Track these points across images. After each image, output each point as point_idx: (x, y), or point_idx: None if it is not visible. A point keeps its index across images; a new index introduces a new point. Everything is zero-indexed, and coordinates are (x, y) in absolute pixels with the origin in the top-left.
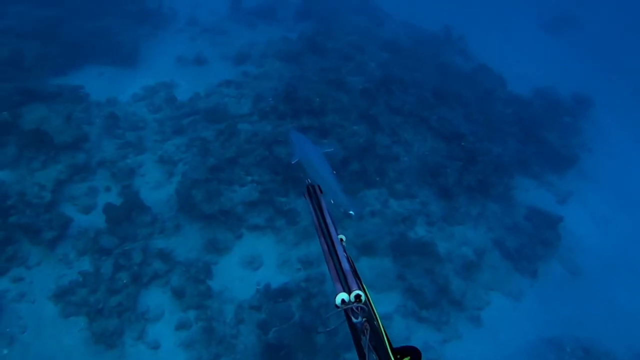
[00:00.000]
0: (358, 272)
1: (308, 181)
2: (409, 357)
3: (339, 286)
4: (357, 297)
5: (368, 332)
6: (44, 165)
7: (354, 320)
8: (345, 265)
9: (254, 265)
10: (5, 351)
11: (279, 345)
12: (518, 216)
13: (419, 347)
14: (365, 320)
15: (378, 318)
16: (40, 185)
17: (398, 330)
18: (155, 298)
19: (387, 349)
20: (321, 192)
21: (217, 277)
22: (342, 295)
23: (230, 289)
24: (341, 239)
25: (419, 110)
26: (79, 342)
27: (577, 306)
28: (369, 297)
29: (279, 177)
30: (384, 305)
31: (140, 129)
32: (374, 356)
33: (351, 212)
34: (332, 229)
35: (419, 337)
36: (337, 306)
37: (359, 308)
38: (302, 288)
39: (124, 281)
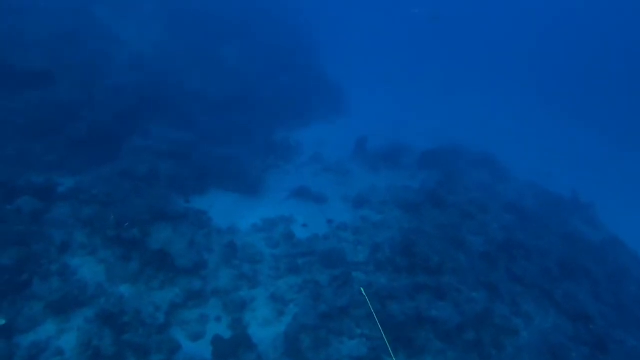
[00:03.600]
0: None
1: None
2: None
3: None
4: None
5: None
6: (162, 286)
7: None
8: None
9: None
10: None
11: None
12: None
13: None
14: None
15: None
16: (156, 306)
17: None
18: None
19: None
20: None
21: None
22: None
23: None
24: None
25: (543, 281)
26: None
27: None
28: None
29: (390, 335)
30: None
31: (256, 262)
32: None
33: None
34: None
35: None
36: None
37: None
38: None
39: None
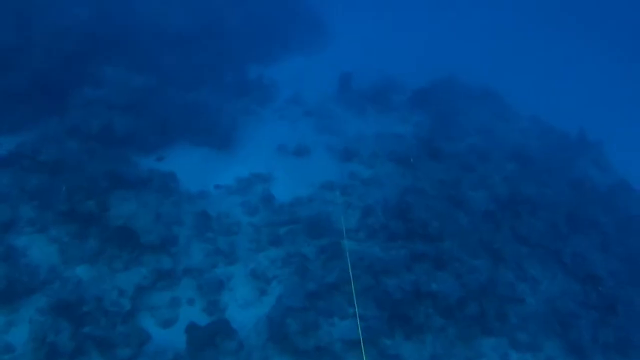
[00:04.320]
0: None
1: None
2: None
3: None
4: None
5: None
6: (127, 267)
7: None
8: None
9: None
10: None
11: None
12: None
13: None
14: None
15: None
16: (120, 290)
17: None
18: None
19: None
20: None
21: None
22: None
23: None
24: None
25: (549, 240)
26: None
27: None
28: None
29: (386, 313)
30: None
31: (233, 234)
32: None
33: None
34: None
35: None
36: None
37: None
38: None
39: None
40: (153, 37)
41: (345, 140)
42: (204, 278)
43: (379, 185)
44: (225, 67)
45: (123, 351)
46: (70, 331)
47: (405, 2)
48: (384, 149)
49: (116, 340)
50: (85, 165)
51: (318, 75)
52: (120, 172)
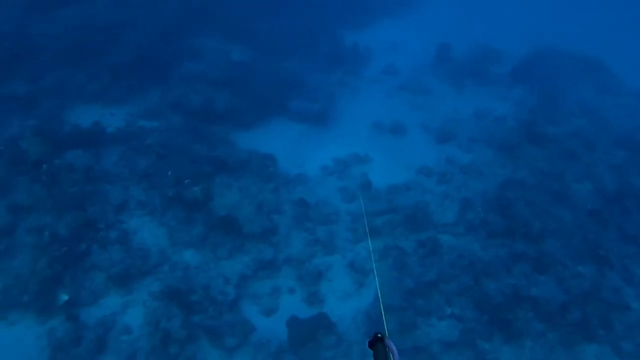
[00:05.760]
0: None
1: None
2: None
3: None
4: None
5: None
6: (230, 254)
7: None
8: None
9: None
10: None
11: None
12: None
13: None
14: None
15: None
16: (225, 278)
17: None
18: None
19: None
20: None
21: None
22: None
23: None
24: None
25: None
26: None
27: None
28: None
29: (485, 316)
30: None
31: (331, 223)
32: None
33: None
34: None
35: None
36: None
37: None
38: None
39: None
40: (245, 4)
41: (442, 119)
42: (304, 268)
43: (478, 174)
44: (319, 33)
45: (230, 340)
46: (181, 318)
47: None
48: (483, 132)
49: (223, 329)
50: (189, 147)
51: (413, 42)
52: (222, 155)
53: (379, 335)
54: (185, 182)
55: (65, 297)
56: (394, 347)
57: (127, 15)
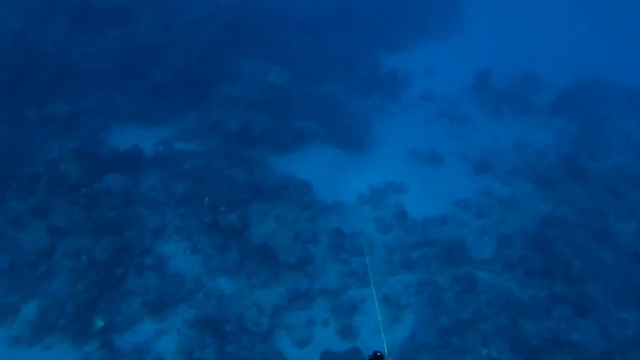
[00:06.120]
0: None
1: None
2: None
3: None
4: None
5: None
6: (265, 284)
7: None
8: None
9: None
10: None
11: None
12: None
13: None
14: None
15: None
16: (259, 308)
17: None
18: None
19: None
20: None
21: None
22: None
23: None
24: None
25: None
26: None
27: None
28: None
29: (522, 359)
30: None
31: (366, 255)
32: None
33: None
34: None
35: None
36: None
37: None
38: None
39: None
40: (285, 24)
41: (481, 148)
42: (338, 300)
43: (517, 208)
44: (357, 56)
45: None
46: (215, 348)
47: None
48: (523, 165)
49: None
50: (226, 172)
51: (452, 66)
52: (259, 181)
53: (379, 354)
54: (222, 209)
55: (101, 323)
56: None
57: (168, 36)
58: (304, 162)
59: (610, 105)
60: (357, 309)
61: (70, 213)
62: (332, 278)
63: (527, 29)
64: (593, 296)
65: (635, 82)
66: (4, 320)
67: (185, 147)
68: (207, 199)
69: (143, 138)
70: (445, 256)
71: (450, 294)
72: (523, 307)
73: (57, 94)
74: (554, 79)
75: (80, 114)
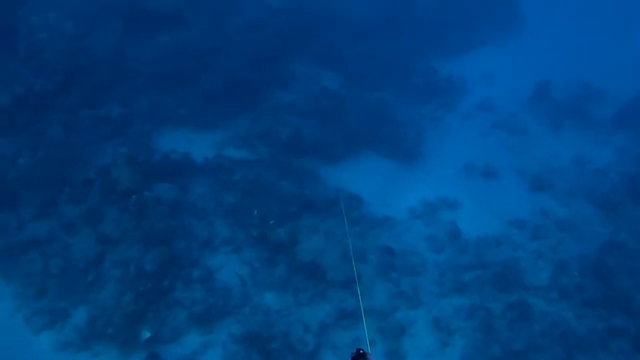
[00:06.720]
0: None
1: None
2: None
3: None
4: None
5: None
6: (311, 301)
7: None
8: None
9: None
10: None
11: None
12: None
13: None
14: None
15: None
16: (306, 326)
17: None
18: None
19: None
20: None
21: None
22: None
23: None
24: None
25: None
26: None
27: None
28: None
29: None
30: None
31: (417, 275)
32: None
33: None
34: None
35: None
36: None
37: None
38: None
39: None
40: (337, 28)
41: (538, 164)
42: (386, 321)
43: (575, 231)
44: (411, 62)
45: None
46: None
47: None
48: (582, 183)
49: None
50: (276, 184)
51: (511, 74)
52: (309, 194)
53: (361, 351)
54: (271, 222)
55: (148, 335)
56: None
57: (221, 41)
58: (355, 173)
59: None
60: (406, 332)
61: (120, 221)
62: (381, 298)
63: (589, 38)
64: None
65: None
66: (54, 324)
67: (235, 155)
68: (256, 212)
69: (193, 143)
70: (499, 280)
71: (502, 322)
72: (579, 339)
73: (110, 97)
74: (616, 91)
75: (132, 116)
